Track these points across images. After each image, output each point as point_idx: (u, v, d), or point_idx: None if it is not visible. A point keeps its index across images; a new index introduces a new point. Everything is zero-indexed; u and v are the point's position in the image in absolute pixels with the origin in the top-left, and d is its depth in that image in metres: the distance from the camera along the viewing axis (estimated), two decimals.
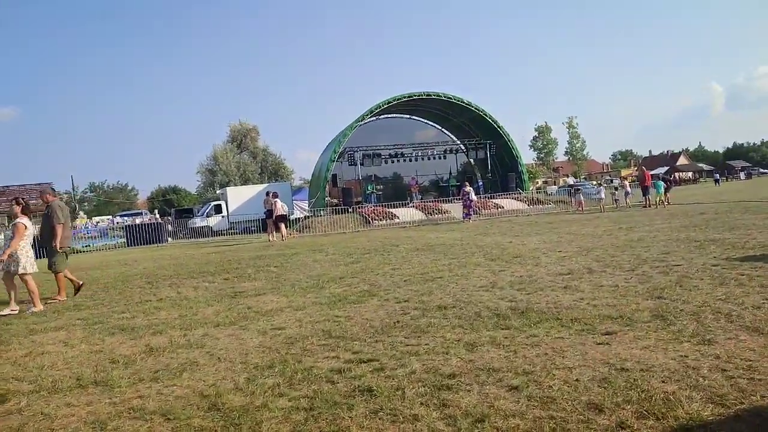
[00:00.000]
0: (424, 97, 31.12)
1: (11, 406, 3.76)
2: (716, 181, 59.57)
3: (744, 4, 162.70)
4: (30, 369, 4.68)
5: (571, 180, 34.08)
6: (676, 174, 71.04)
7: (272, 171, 56.91)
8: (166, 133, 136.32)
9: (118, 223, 32.54)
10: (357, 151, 30.66)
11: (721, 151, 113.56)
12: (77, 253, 24.70)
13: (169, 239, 28.20)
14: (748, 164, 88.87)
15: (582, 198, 25.05)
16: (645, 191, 23.08)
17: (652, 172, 59.53)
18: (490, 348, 4.19)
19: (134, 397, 3.75)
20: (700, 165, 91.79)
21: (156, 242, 26.20)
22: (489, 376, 3.58)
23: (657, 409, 2.86)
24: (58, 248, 9.06)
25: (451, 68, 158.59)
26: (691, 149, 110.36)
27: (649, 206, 22.10)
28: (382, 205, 27.49)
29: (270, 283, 8.69)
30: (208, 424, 3.17)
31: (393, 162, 32.76)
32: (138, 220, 32.05)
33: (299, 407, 3.31)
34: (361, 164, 30.99)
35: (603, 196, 25.15)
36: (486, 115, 32.11)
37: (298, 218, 29.07)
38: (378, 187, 31.98)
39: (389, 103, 30.47)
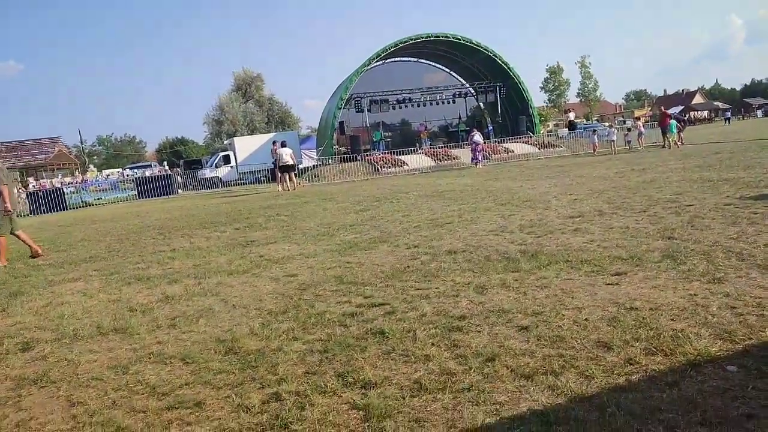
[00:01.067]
0: (432, 38, 30.26)
1: (36, 354, 3.90)
2: (726, 119, 58.02)
3: None
4: (51, 318, 4.82)
5: (572, 115, 33.20)
6: (691, 113, 69.38)
7: (279, 120, 56.35)
8: (172, 83, 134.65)
9: (128, 175, 32.69)
10: (364, 98, 30.15)
11: (738, 88, 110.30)
12: (89, 205, 25.00)
13: (180, 191, 28.38)
14: (765, 102, 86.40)
15: (597, 140, 24.59)
16: (664, 131, 22.64)
17: (666, 112, 58.23)
18: (500, 290, 4.23)
19: (153, 342, 3.86)
20: (716, 103, 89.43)
21: (166, 194, 26.41)
22: (499, 317, 3.63)
23: (665, 346, 2.89)
24: (9, 210, 8.42)
25: (459, 9, 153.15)
26: (708, 87, 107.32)
27: (668, 147, 21.70)
28: (391, 152, 27.29)
29: (281, 231, 8.77)
30: (225, 367, 3.27)
31: (401, 108, 32.22)
32: (148, 173, 32.17)
33: (313, 350, 3.40)
34: (369, 111, 30.56)
35: (615, 137, 24.71)
36: (496, 57, 31.27)
37: (307, 167, 29.01)
38: (386, 133, 31.66)
39: (396, 46, 29.69)
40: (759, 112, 74.42)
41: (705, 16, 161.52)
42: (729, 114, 62.16)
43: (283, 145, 19.76)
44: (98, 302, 5.23)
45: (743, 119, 67.86)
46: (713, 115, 77.40)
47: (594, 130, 26.39)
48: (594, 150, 23.99)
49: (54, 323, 4.63)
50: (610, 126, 27.23)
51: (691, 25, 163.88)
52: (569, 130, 30.63)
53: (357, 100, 30.14)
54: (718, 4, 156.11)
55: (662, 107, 32.49)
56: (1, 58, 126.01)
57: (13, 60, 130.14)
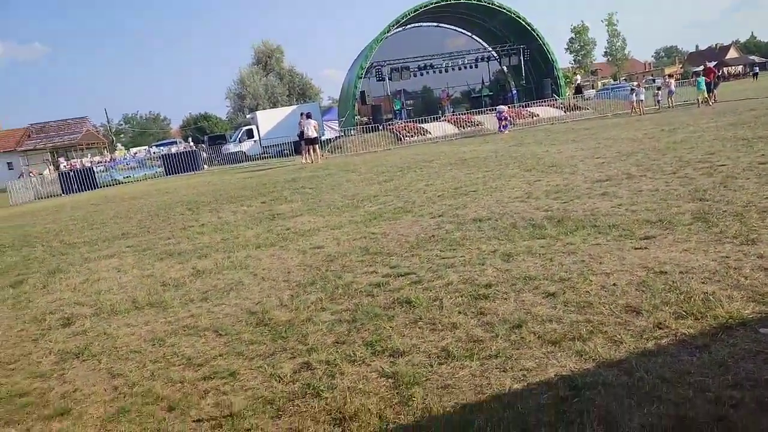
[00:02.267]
0: (452, 1, 29.46)
1: (76, 329, 4.07)
2: (755, 74, 55.31)
3: None
4: (89, 294, 5.00)
5: (578, 78, 31.94)
6: (725, 69, 66.58)
7: (300, 92, 56.12)
8: (193, 60, 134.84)
9: (154, 153, 33.16)
10: (384, 66, 29.70)
11: None
12: (119, 183, 25.55)
13: (205, 166, 28.71)
14: None
15: (642, 98, 23.60)
16: (709, 87, 21.78)
17: (697, 69, 55.98)
18: (526, 257, 4.22)
19: (187, 316, 3.98)
20: (752, 57, 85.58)
21: (192, 170, 26.75)
22: (525, 284, 3.63)
23: (696, 309, 2.86)
24: None
25: None
26: (743, 41, 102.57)
27: (711, 103, 20.86)
28: (413, 121, 26.99)
29: (306, 204, 8.84)
30: (257, 338, 3.36)
31: (422, 75, 31.62)
32: (174, 149, 32.59)
33: (342, 320, 3.46)
34: (390, 79, 30.11)
35: (643, 98, 23.92)
36: (519, 17, 30.34)
37: (329, 139, 28.96)
38: (408, 102, 31.26)
39: (416, 11, 29.04)
40: None
41: None
42: (757, 69, 59.36)
43: (309, 116, 19.67)
44: (132, 278, 5.40)
45: None
46: (748, 70, 74.15)
47: (632, 89, 25.31)
48: (632, 110, 23.06)
49: (92, 299, 4.81)
50: (638, 86, 26.20)
51: None
52: (575, 94, 29.60)
53: (377, 69, 29.71)
54: None
55: (706, 62, 31.06)
56: (27, 40, 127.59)
57: (39, 42, 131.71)
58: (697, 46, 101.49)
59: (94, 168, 27.03)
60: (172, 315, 4.05)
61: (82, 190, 23.93)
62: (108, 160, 30.61)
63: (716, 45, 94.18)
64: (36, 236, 9.74)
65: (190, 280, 4.96)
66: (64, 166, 28.65)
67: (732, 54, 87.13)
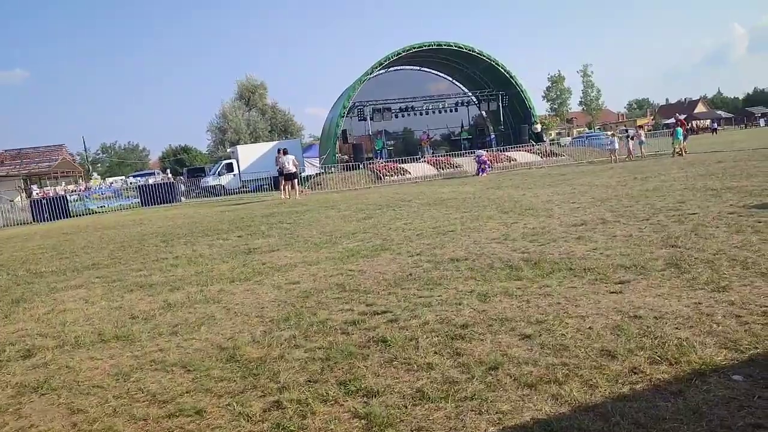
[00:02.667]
0: (434, 47, 30.35)
1: (37, 361, 3.89)
2: (713, 130, 57.72)
3: None
4: (53, 325, 4.81)
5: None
6: (694, 122, 69.31)
7: (282, 128, 56.56)
8: (175, 92, 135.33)
9: (131, 183, 32.76)
10: (366, 106, 30.24)
11: (741, 97, 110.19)
12: (93, 213, 25.07)
13: (182, 198, 28.43)
14: None
15: (616, 147, 24.29)
16: (682, 136, 22.55)
17: (668, 121, 58.19)
18: (503, 298, 4.21)
19: (155, 350, 3.85)
20: (719, 112, 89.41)
21: (169, 202, 26.46)
22: (502, 325, 3.61)
23: (670, 355, 2.87)
24: None
25: (460, 19, 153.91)
26: (710, 96, 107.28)
27: (674, 154, 21.56)
28: (393, 161, 27.32)
29: (283, 239, 8.76)
30: (227, 375, 3.25)
31: (403, 116, 32.31)
32: (151, 180, 32.24)
33: (315, 358, 3.38)
34: (371, 119, 30.63)
35: (617, 146, 24.69)
36: (498, 65, 31.35)
37: (309, 175, 29.05)
38: (389, 142, 31.71)
39: (398, 54, 29.80)
40: (761, 121, 74.26)
41: (707, 23, 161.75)
42: (716, 125, 62.25)
43: (286, 152, 19.79)
44: (100, 309, 5.23)
45: (746, 128, 67.76)
46: (717, 124, 77.33)
47: (630, 136, 26.01)
48: (630, 156, 23.66)
49: (56, 330, 4.63)
50: (612, 135, 27.07)
51: (693, 33, 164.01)
52: (536, 142, 30.17)
53: (360, 109, 30.22)
54: (720, 12, 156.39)
55: (677, 114, 32.29)
56: (7, 66, 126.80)
57: (19, 68, 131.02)
58: (667, 100, 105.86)
59: (68, 196, 26.53)
60: (139, 349, 3.91)
61: (54, 219, 23.41)
62: (82, 188, 30.08)
63: (685, 99, 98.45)
64: (1, 264, 9.43)
65: (160, 313, 4.83)
66: (37, 193, 28.04)
67: (700, 108, 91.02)
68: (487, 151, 26.14)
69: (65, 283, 6.77)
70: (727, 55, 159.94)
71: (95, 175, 44.55)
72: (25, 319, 5.17)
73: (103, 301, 5.59)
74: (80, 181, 37.97)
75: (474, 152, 24.71)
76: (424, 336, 3.54)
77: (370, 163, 27.36)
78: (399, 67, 33.17)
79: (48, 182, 37.21)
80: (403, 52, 29.76)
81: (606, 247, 5.60)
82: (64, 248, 10.86)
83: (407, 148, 32.74)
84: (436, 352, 3.26)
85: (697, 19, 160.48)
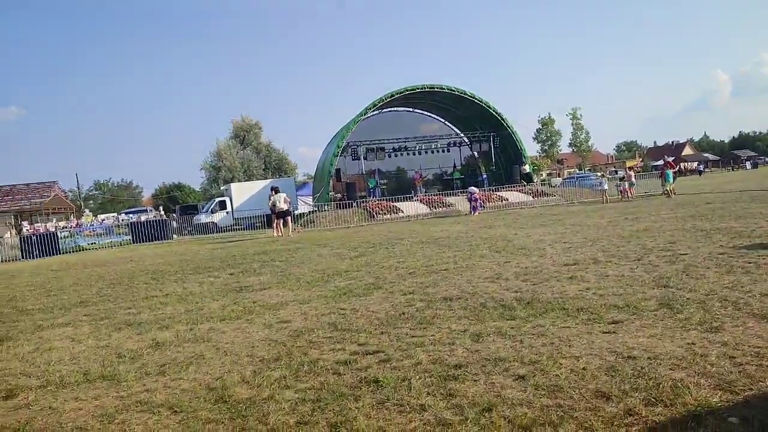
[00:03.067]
0: (427, 89, 30.98)
1: (20, 401, 3.78)
2: (699, 172, 59.02)
3: None
4: (37, 364, 4.70)
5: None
6: (682, 164, 70.57)
7: (276, 166, 56.87)
8: (170, 130, 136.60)
9: (123, 220, 32.60)
10: (360, 146, 30.62)
11: (726, 140, 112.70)
12: (83, 250, 24.84)
13: (174, 236, 28.27)
14: (754, 153, 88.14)
15: (606, 187, 24.64)
16: (666, 179, 23.01)
17: (656, 163, 59.22)
18: (496, 338, 4.18)
19: (141, 390, 3.76)
20: (706, 155, 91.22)
21: (161, 239, 26.28)
22: (495, 365, 3.57)
23: (665, 396, 2.84)
24: None
25: (453, 61, 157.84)
26: (696, 139, 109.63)
27: (669, 195, 21.87)
28: (387, 199, 27.46)
29: (275, 277, 8.70)
30: (215, 416, 3.17)
31: (397, 156, 32.72)
32: (143, 217, 32.12)
33: (306, 399, 3.32)
34: (365, 158, 30.97)
35: (606, 187, 25.02)
36: (489, 107, 31.95)
37: (303, 213, 29.09)
38: (382, 181, 31.95)
39: (392, 96, 30.36)
40: (747, 164, 75.77)
41: (691, 69, 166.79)
42: (701, 167, 63.76)
43: (278, 191, 19.88)
44: (87, 348, 5.12)
45: (733, 170, 69.02)
46: (704, 166, 78.79)
47: (622, 178, 26.49)
48: (626, 196, 24.06)
49: (40, 369, 4.52)
50: (602, 176, 27.46)
51: (678, 78, 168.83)
52: (526, 182, 30.55)
53: (353, 148, 30.58)
54: (704, 59, 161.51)
55: (665, 156, 32.93)
56: (4, 103, 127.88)
57: (15, 106, 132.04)
58: (655, 142, 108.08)
59: (58, 233, 26.32)
60: (126, 389, 3.82)
61: (44, 256, 23.15)
62: (74, 225, 29.89)
63: (673, 142, 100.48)
64: None
65: (147, 353, 4.74)
66: (27, 230, 27.82)
67: (687, 151, 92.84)
68: (480, 189, 26.34)
69: (52, 321, 6.65)
70: (712, 100, 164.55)
71: (87, 211, 44.39)
72: (9, 357, 5.05)
73: (90, 339, 5.48)
74: (72, 217, 37.78)
75: (467, 189, 24.88)
76: (417, 376, 3.49)
77: (363, 202, 27.48)
78: (392, 109, 33.77)
79: (39, 219, 37.00)
80: (397, 94, 30.34)
81: (598, 287, 5.61)
82: (53, 285, 10.71)
83: (400, 187, 33.00)
84: (429, 393, 3.21)
85: (681, 66, 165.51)
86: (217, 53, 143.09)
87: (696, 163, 77.19)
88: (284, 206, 19.44)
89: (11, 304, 8.60)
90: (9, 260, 23.11)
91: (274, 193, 19.74)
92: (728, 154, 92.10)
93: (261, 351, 4.46)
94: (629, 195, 24.44)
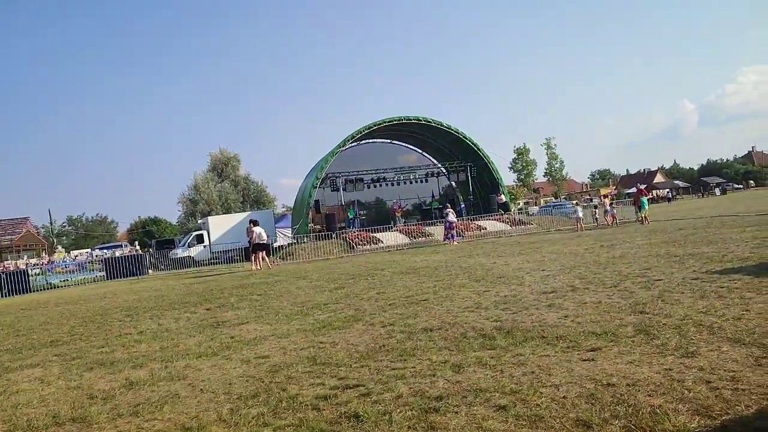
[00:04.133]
0: (403, 121, 31.47)
1: None
2: (668, 199, 60.88)
3: (712, 23, 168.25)
4: (4, 408, 4.52)
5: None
6: (654, 191, 72.38)
7: (254, 199, 56.68)
8: (146, 164, 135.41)
9: (97, 256, 31.96)
10: (339, 177, 30.78)
11: (696, 167, 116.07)
12: (55, 288, 24.19)
13: (150, 271, 27.75)
14: (722, 180, 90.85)
15: (581, 215, 25.04)
16: (640, 207, 23.58)
17: (629, 191, 60.62)
18: (477, 368, 4.16)
19: None
20: (677, 182, 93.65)
21: (136, 274, 25.76)
22: (476, 396, 3.55)
23: (644, 423, 2.85)
24: None
25: (429, 91, 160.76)
26: (667, 167, 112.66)
27: (641, 222, 22.34)
28: (366, 230, 27.48)
29: (253, 311, 8.57)
30: None
31: (375, 187, 32.95)
32: (117, 253, 31.55)
33: None
34: (344, 190, 31.11)
35: (581, 215, 25.45)
36: (465, 138, 32.53)
37: (282, 246, 28.87)
38: (361, 212, 32.03)
39: (369, 128, 30.73)
40: (717, 190, 77.98)
41: (659, 101, 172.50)
42: (670, 195, 65.89)
43: (256, 224, 19.78)
44: (56, 389, 4.95)
45: (703, 197, 70.91)
46: (675, 193, 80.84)
47: (595, 206, 27.02)
48: (611, 221, 24.47)
49: (7, 414, 4.34)
50: (577, 204, 27.95)
51: (647, 108, 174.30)
52: (503, 212, 30.98)
53: (332, 179, 30.72)
54: (671, 90, 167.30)
55: (638, 184, 33.75)
56: None
57: None
58: (627, 170, 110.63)
59: (29, 270, 25.64)
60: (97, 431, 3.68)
61: (13, 294, 22.46)
62: (45, 262, 29.17)
63: (644, 170, 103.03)
64: None
65: (120, 393, 4.59)
66: None
67: (659, 178, 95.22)
68: (458, 218, 26.52)
69: (20, 362, 6.42)
70: (681, 129, 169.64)
71: (60, 248, 43.45)
72: None
73: (60, 380, 5.30)
74: (43, 254, 36.89)
75: (443, 211, 24.89)
76: (398, 410, 3.45)
77: (342, 233, 27.44)
78: (370, 140, 34.15)
79: (10, 256, 36.03)
80: (375, 125, 30.73)
81: (576, 315, 5.65)
82: (22, 325, 10.37)
83: (379, 217, 33.10)
84: (410, 427, 3.17)
85: (649, 96, 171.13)
86: (194, 87, 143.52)
87: (666, 190, 79.20)
88: (263, 239, 19.34)
89: None
90: None
91: (252, 225, 19.64)
92: (698, 181, 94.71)
93: (238, 388, 4.36)
94: (606, 221, 24.88)
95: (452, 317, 6.25)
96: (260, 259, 19.43)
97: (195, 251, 32.54)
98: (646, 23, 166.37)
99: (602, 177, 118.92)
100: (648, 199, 25.14)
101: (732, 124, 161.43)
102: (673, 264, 8.63)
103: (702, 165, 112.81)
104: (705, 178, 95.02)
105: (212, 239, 32.32)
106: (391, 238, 25.97)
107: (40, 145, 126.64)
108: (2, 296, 22.22)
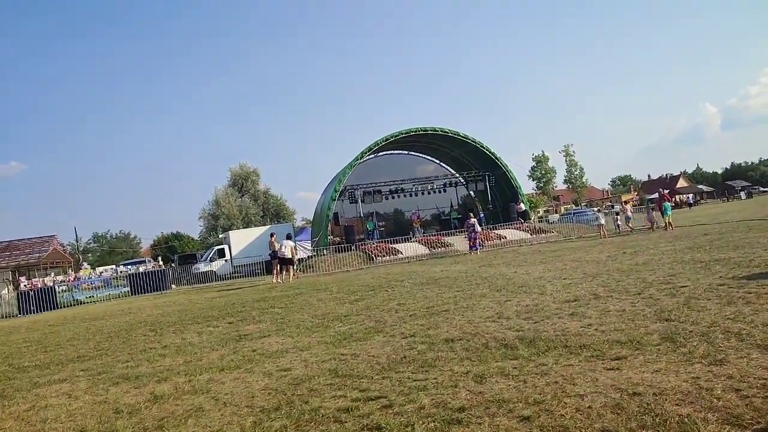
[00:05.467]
0: (420, 132, 31.49)
1: None
2: (690, 204, 59.69)
3: (731, 25, 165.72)
4: (33, 423, 4.61)
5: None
6: (677, 196, 71.15)
7: (274, 213, 57.11)
8: (168, 180, 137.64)
9: (121, 272, 32.49)
10: (357, 189, 30.88)
11: (719, 171, 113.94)
12: (81, 304, 24.62)
13: (173, 286, 28.08)
14: (747, 184, 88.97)
15: (603, 222, 24.60)
16: (663, 213, 23.13)
17: (651, 196, 59.67)
18: (499, 379, 4.12)
19: None
20: (700, 186, 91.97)
21: (160, 290, 26.09)
22: (499, 407, 3.52)
23: None
24: None
25: (446, 102, 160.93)
26: (690, 171, 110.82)
27: (664, 228, 21.92)
28: (385, 241, 27.47)
29: (275, 324, 8.62)
30: None
31: (393, 198, 32.96)
32: (141, 268, 32.04)
33: None
34: (362, 201, 31.17)
35: (603, 222, 25.09)
36: (483, 147, 32.40)
37: (301, 258, 29.01)
38: (380, 223, 32.06)
39: (387, 140, 30.81)
40: (742, 194, 76.34)
41: (681, 103, 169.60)
42: (691, 200, 64.50)
43: (288, 237, 19.94)
44: (83, 404, 5.03)
45: (727, 201, 69.47)
46: (698, 198, 79.31)
47: (617, 212, 26.67)
48: (624, 228, 24.01)
49: (36, 428, 4.43)
50: (599, 211, 27.58)
51: (669, 112, 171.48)
52: (523, 220, 30.66)
53: (351, 192, 30.84)
54: (692, 94, 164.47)
55: (660, 189, 33.15)
56: (5, 159, 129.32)
57: (15, 161, 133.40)
58: (649, 176, 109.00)
59: (56, 287, 26.15)
60: None
61: (41, 311, 22.91)
62: (71, 279, 29.75)
63: (667, 175, 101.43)
64: None
65: (146, 407, 4.65)
66: (24, 285, 27.65)
67: (682, 183, 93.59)
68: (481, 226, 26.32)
69: (48, 378, 6.55)
70: (703, 132, 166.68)
71: (85, 264, 44.27)
72: (4, 417, 4.95)
73: (86, 395, 5.39)
74: (69, 271, 37.63)
75: (466, 221, 24.68)
76: (420, 421, 3.43)
77: (361, 245, 27.48)
78: (388, 152, 34.21)
79: (37, 273, 36.83)
80: (392, 137, 30.82)
81: (600, 323, 5.57)
82: (49, 341, 10.57)
83: (398, 228, 33.04)
84: None
85: (672, 99, 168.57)
86: (215, 102, 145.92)
87: (690, 195, 77.86)
88: (288, 254, 19.47)
89: (7, 361, 8.47)
90: (6, 316, 22.85)
91: (275, 238, 19.79)
92: (722, 184, 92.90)
93: (261, 401, 4.38)
94: (628, 228, 24.49)
95: (473, 327, 6.21)
96: (284, 272, 19.52)
97: (217, 265, 32.87)
98: (665, 28, 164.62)
99: (623, 183, 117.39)
100: (671, 205, 24.63)
101: (756, 126, 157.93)
102: (699, 270, 8.46)
103: (726, 168, 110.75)
104: (729, 182, 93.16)
105: (233, 253, 32.62)
106: (410, 248, 25.91)
107: (68, 165, 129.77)
108: (31, 313, 22.69)
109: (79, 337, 10.43)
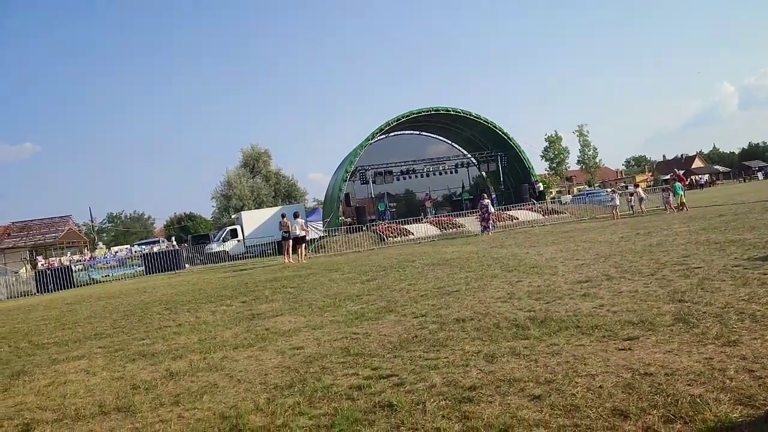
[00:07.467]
0: (432, 112, 31.24)
1: None
2: (701, 185, 58.81)
3: (748, 5, 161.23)
4: (53, 398, 4.72)
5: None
6: (692, 177, 70.15)
7: (285, 193, 57.28)
8: (181, 161, 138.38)
9: (136, 252, 32.92)
10: (368, 170, 30.82)
11: (736, 152, 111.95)
12: (97, 283, 25.04)
13: (187, 265, 28.42)
14: (765, 164, 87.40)
15: (617, 203, 24.27)
16: (675, 192, 22.78)
17: (666, 177, 58.87)
18: (510, 358, 4.14)
19: (156, 421, 3.76)
20: (716, 167, 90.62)
21: (173, 269, 26.44)
22: (510, 386, 3.54)
23: (684, 413, 2.79)
24: None
25: (458, 81, 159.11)
26: (706, 151, 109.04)
27: (681, 209, 21.61)
28: (396, 222, 27.49)
29: (287, 303, 8.71)
30: None
31: (405, 179, 32.87)
32: (156, 248, 32.42)
33: (320, 425, 3.30)
34: (374, 182, 31.14)
35: (618, 203, 24.85)
36: (495, 127, 32.10)
37: (313, 239, 29.16)
38: (391, 204, 32.05)
39: (398, 120, 30.62)
40: (759, 175, 75.05)
41: (697, 82, 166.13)
42: (702, 181, 63.48)
43: (296, 216, 19.97)
44: (101, 380, 5.14)
45: (744, 182, 68.39)
46: (714, 179, 78.12)
47: (631, 193, 26.32)
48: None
49: (56, 403, 4.54)
50: (613, 191, 27.31)
51: (685, 92, 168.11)
52: (537, 200, 30.42)
53: (362, 173, 30.79)
54: (709, 72, 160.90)
55: (675, 169, 32.70)
56: (20, 140, 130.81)
57: (30, 142, 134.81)
58: (664, 156, 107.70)
59: (72, 266, 26.59)
60: (140, 420, 3.82)
61: (58, 289, 23.35)
62: (87, 258, 30.21)
63: (682, 155, 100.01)
64: (3, 337, 9.35)
65: (162, 383, 4.74)
66: (42, 264, 28.14)
67: (697, 163, 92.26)
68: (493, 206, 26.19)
69: (67, 354, 6.69)
70: (720, 112, 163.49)
71: (100, 244, 44.88)
72: (25, 392, 5.08)
73: (104, 371, 5.51)
74: (85, 251, 38.17)
75: (480, 198, 24.46)
76: (432, 400, 3.47)
77: (373, 225, 27.53)
78: (399, 132, 34.04)
79: (54, 253, 37.41)
80: (403, 117, 30.61)
81: (612, 304, 5.55)
82: (67, 319, 10.78)
83: (410, 209, 33.03)
84: (443, 417, 3.18)
85: (687, 78, 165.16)
86: (224, 83, 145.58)
87: (706, 175, 76.68)
88: (300, 233, 19.50)
89: (27, 338, 8.67)
90: (24, 295, 23.33)
91: (284, 218, 19.85)
92: (739, 165, 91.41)
93: (274, 378, 4.45)
94: (641, 209, 24.26)
95: (484, 308, 6.22)
96: (298, 252, 19.59)
97: (229, 245, 33.17)
98: (684, 6, 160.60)
99: (638, 163, 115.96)
100: (683, 186, 24.22)
101: None
102: (714, 251, 8.38)
103: (743, 149, 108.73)
104: (746, 162, 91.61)
105: (246, 234, 32.87)
106: (421, 229, 25.90)
107: (81, 146, 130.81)
108: (48, 291, 23.14)
109: (96, 315, 10.62)
